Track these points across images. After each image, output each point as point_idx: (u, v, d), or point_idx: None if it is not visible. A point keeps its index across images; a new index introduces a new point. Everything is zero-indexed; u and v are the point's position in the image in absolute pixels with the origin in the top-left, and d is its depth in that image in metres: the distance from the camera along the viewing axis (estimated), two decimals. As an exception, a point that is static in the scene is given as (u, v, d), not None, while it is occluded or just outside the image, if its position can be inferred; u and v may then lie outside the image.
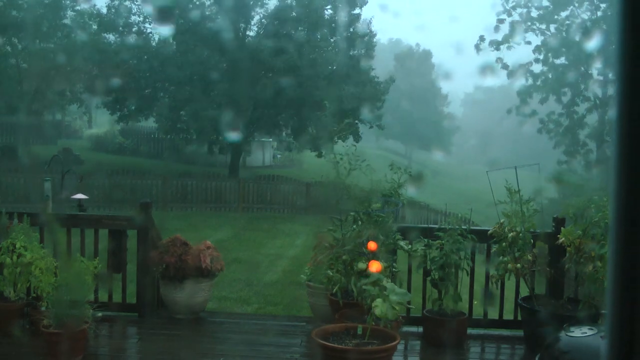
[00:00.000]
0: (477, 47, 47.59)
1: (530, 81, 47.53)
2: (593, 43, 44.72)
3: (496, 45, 46.99)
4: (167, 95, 34.55)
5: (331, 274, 6.24)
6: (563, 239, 6.45)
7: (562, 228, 6.62)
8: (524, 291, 6.95)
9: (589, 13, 46.09)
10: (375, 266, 5.65)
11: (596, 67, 45.47)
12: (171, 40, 34.88)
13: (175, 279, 6.92)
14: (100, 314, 6.24)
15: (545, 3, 46.57)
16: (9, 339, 6.57)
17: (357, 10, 37.34)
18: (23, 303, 6.83)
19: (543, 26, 46.84)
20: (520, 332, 6.93)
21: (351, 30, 37.15)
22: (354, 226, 6.23)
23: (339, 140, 6.37)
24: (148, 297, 7.18)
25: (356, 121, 34.69)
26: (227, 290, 12.16)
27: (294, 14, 35.45)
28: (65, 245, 7.32)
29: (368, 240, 5.96)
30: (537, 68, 47.79)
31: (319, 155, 30.81)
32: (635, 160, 0.96)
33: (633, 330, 0.97)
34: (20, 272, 6.64)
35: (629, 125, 0.97)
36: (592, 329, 4.40)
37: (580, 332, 4.40)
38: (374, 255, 5.91)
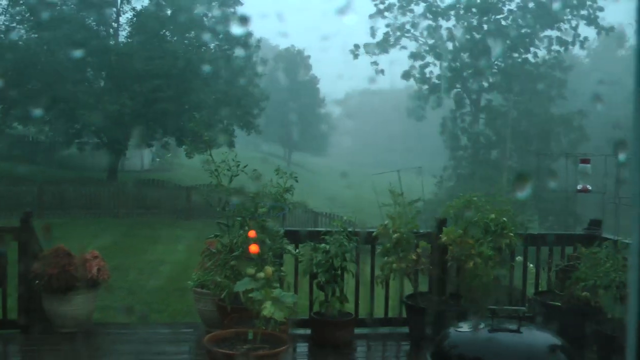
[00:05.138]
0: (354, 53, 48.61)
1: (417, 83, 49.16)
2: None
3: (372, 50, 48.20)
4: (34, 97, 33.03)
5: (219, 279, 6.22)
6: (445, 238, 6.68)
7: (443, 228, 6.86)
8: (409, 289, 7.15)
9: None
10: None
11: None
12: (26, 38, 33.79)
13: (58, 291, 6.71)
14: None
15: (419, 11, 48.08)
16: None
17: (231, 10, 37.34)
18: None
19: (417, 33, 48.32)
20: (405, 329, 7.11)
21: (228, 31, 37.05)
22: (241, 231, 6.23)
23: (212, 148, 6.35)
24: (30, 311, 6.92)
25: (232, 127, 34.67)
26: (110, 299, 11.92)
27: (166, 12, 35.08)
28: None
29: (250, 244, 5.97)
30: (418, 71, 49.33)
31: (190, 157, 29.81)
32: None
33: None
34: None
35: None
36: (478, 324, 4.58)
37: (467, 328, 4.58)
38: (258, 257, 5.92)
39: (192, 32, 35.81)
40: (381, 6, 48.22)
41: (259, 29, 51.97)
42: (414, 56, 48.45)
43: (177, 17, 34.59)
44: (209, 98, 33.70)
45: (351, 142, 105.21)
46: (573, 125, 44.57)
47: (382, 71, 49.75)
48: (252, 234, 5.91)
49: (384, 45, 48.36)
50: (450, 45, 47.41)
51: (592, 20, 45.81)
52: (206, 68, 34.49)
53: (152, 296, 14.35)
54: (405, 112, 52.53)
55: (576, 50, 52.10)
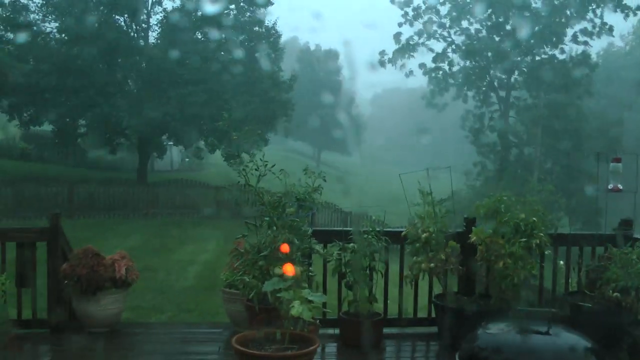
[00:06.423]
0: (381, 62, 48.76)
1: (437, 81, 49.07)
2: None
3: (399, 53, 48.33)
4: (67, 99, 33.12)
5: (247, 279, 6.22)
6: (474, 238, 6.64)
7: (473, 227, 6.82)
8: (438, 289, 7.12)
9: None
10: (289, 269, 5.66)
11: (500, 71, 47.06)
12: (59, 37, 33.85)
13: (87, 292, 6.76)
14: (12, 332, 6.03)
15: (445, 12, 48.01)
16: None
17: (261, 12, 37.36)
18: None
19: (444, 32, 48.20)
20: (434, 329, 7.08)
21: (256, 30, 37.12)
22: (269, 231, 6.23)
23: (244, 151, 6.32)
24: (60, 311, 6.97)
25: (259, 131, 34.46)
26: (139, 299, 11.98)
27: (197, 14, 35.10)
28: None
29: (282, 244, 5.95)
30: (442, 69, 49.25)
31: (229, 162, 30.03)
32: None
33: None
34: None
35: None
36: (508, 326, 4.54)
37: (497, 329, 4.54)
38: (288, 258, 5.90)
39: (222, 35, 35.79)
40: (408, 9, 48.16)
41: (288, 27, 52.01)
42: (439, 56, 48.37)
43: (207, 21, 34.64)
44: (238, 99, 33.66)
45: (381, 141, 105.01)
46: (609, 135, 43.81)
47: (411, 72, 49.87)
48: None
49: (411, 47, 48.31)
50: (475, 44, 47.19)
51: (617, 4, 45.03)
52: (236, 71, 34.52)
53: (181, 296, 14.40)
54: (424, 100, 52.11)
55: (608, 42, 51.32)
